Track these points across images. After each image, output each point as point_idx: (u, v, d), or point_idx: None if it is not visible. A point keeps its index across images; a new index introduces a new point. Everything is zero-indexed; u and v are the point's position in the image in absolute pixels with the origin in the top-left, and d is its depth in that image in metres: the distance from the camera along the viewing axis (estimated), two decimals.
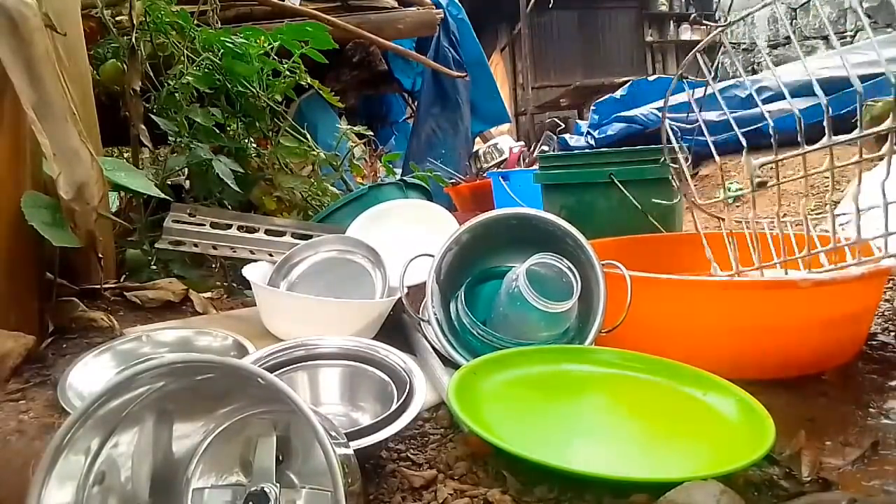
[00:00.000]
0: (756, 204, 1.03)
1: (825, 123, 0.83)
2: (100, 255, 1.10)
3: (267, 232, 1.36)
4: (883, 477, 0.60)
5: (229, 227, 1.35)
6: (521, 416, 0.77)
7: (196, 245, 1.33)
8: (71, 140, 0.97)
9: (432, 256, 1.00)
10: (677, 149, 1.10)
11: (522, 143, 3.50)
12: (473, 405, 0.73)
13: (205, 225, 1.34)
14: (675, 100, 1.06)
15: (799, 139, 0.88)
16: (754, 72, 4.73)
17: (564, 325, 0.92)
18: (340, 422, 0.77)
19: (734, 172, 2.54)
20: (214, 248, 1.33)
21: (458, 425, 0.75)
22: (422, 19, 2.83)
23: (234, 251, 1.33)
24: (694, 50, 1.04)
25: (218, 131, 1.61)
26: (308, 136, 1.83)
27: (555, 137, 2.85)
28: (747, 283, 0.93)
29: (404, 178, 1.68)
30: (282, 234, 1.36)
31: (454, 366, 0.92)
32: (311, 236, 1.30)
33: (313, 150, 1.77)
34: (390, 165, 2.25)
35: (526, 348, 0.89)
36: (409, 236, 1.25)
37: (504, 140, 3.39)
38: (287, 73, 1.73)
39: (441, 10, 3.02)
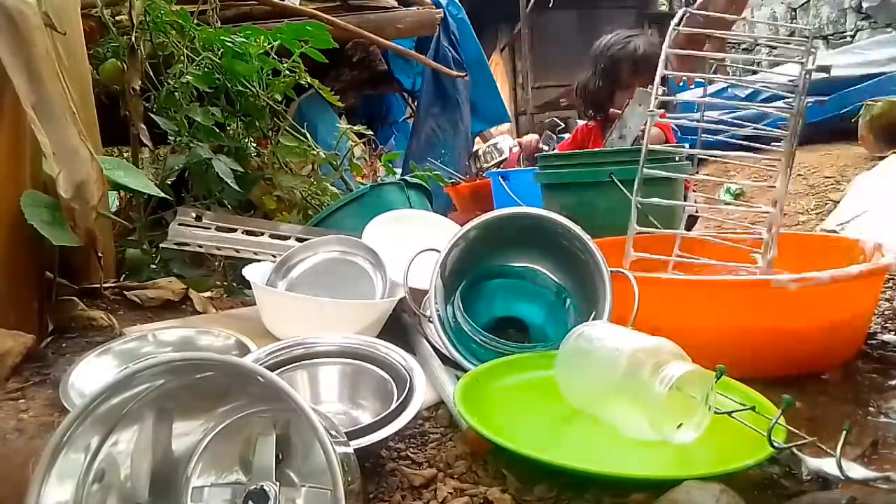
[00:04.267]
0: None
1: None
2: (99, 255, 1.10)
3: (271, 236, 1.36)
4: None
5: (234, 230, 1.36)
6: (523, 416, 0.77)
7: (200, 246, 1.33)
8: (71, 139, 0.97)
9: (438, 252, 1.00)
10: None
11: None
12: (475, 405, 0.73)
13: (210, 228, 1.34)
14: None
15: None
16: (754, 72, 4.72)
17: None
18: (340, 420, 0.77)
19: (734, 173, 2.54)
20: (219, 249, 1.34)
21: (458, 424, 0.75)
22: (422, 19, 2.83)
23: (238, 252, 1.33)
24: None
25: (218, 130, 1.61)
26: (308, 135, 1.82)
27: (555, 137, 2.84)
28: (747, 283, 0.93)
29: (405, 177, 1.68)
30: (286, 237, 1.36)
31: (454, 365, 0.92)
32: None
33: (313, 149, 1.77)
34: (390, 165, 2.24)
35: (530, 354, 0.89)
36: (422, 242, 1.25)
37: (504, 140, 3.38)
38: (287, 72, 1.73)
39: (441, 10, 3.02)
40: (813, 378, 0.87)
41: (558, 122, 3.37)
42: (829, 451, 0.59)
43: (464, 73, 3.12)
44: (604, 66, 1.93)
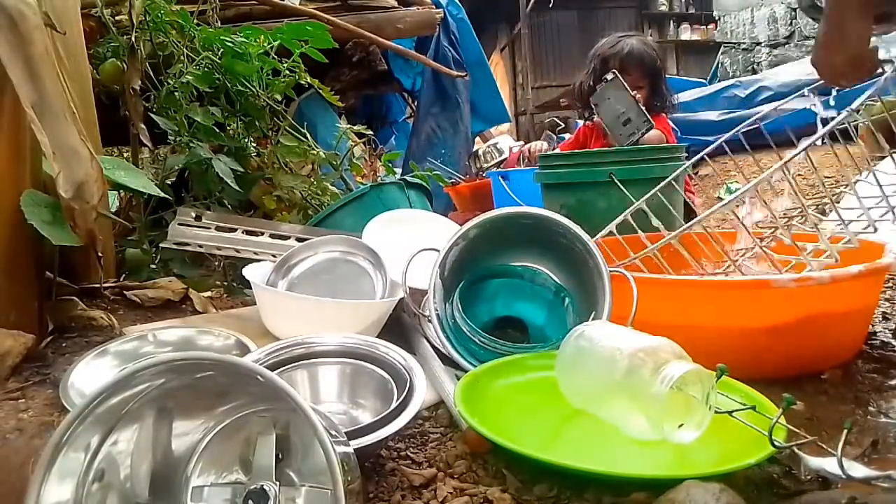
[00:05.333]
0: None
1: None
2: (99, 254, 1.10)
3: (271, 236, 1.36)
4: None
5: (234, 230, 1.36)
6: (523, 417, 0.77)
7: (200, 246, 1.33)
8: (70, 139, 0.97)
9: (437, 251, 1.00)
10: None
11: (522, 142, 3.50)
12: (475, 405, 0.73)
13: (210, 228, 1.35)
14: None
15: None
16: (754, 72, 4.72)
17: None
18: (340, 420, 0.77)
19: (734, 172, 2.54)
20: (219, 249, 1.34)
21: (458, 424, 0.75)
22: (422, 19, 2.83)
23: (238, 252, 1.34)
24: None
25: (218, 130, 1.61)
26: (308, 135, 1.83)
27: (555, 137, 2.85)
28: (747, 283, 0.93)
29: (405, 177, 1.68)
30: (286, 237, 1.36)
31: (454, 365, 0.92)
32: None
33: (313, 149, 1.77)
34: (390, 165, 2.24)
35: (529, 354, 0.89)
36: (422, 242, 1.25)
37: (504, 140, 3.39)
38: (287, 72, 1.73)
39: (441, 10, 3.02)
40: (813, 378, 0.87)
41: (558, 122, 3.37)
42: (829, 450, 0.59)
43: (464, 73, 3.12)
44: (594, 65, 1.98)
